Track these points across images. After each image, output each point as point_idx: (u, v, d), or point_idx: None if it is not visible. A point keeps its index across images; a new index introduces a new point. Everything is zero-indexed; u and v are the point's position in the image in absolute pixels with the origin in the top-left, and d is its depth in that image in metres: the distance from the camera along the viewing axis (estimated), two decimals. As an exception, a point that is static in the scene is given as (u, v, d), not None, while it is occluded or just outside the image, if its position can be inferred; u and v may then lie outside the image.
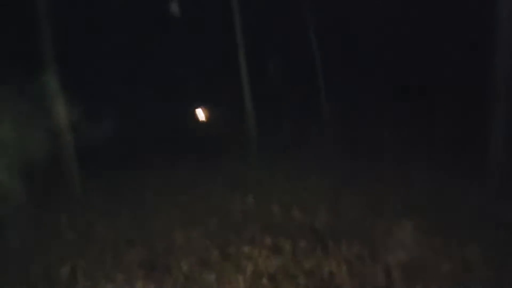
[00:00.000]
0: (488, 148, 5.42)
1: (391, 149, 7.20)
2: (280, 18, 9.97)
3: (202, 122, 13.33)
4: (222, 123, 11.36)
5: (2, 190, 5.00)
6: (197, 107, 13.34)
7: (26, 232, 4.86)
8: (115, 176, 7.27)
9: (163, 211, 5.39)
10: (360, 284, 3.39)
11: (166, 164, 8.02)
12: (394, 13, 9.32)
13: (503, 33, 5.04)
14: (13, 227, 4.85)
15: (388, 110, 8.97)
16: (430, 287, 3.28)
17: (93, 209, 5.55)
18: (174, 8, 10.30)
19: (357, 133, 8.57)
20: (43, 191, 5.98)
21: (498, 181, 5.26)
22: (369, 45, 9.88)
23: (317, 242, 4.11)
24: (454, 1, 8.61)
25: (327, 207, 5.08)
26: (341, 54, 9.98)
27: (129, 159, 8.38)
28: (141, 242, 4.45)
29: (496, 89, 5.25)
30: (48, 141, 5.77)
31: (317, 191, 5.73)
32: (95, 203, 5.76)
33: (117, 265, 3.98)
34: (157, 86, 11.47)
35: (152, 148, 9.16)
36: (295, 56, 10.31)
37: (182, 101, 12.16)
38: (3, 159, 5.42)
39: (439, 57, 9.14)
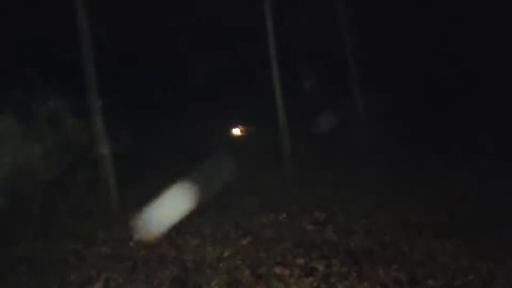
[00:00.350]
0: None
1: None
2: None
3: (238, 138, 13.47)
4: (258, 140, 11.36)
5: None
6: (234, 125, 13.55)
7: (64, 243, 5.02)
8: (150, 188, 7.38)
9: (195, 227, 5.38)
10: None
11: (200, 176, 8.08)
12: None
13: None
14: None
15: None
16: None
17: (128, 223, 5.64)
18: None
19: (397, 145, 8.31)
20: (82, 202, 6.21)
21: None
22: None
23: (351, 264, 3.94)
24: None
25: (363, 226, 4.92)
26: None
27: (164, 173, 8.48)
28: (173, 259, 4.45)
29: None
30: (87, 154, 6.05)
31: (353, 208, 5.55)
32: (130, 217, 5.84)
33: (149, 282, 3.98)
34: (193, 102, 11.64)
35: (187, 161, 9.26)
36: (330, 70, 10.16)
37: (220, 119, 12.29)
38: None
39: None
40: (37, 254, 4.77)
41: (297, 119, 8.46)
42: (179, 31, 10.41)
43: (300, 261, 4.16)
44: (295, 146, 7.01)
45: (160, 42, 10.35)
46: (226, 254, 4.49)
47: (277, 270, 3.98)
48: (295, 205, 5.84)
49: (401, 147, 7.98)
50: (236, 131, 13.89)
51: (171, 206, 6.28)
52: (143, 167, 8.49)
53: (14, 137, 6.03)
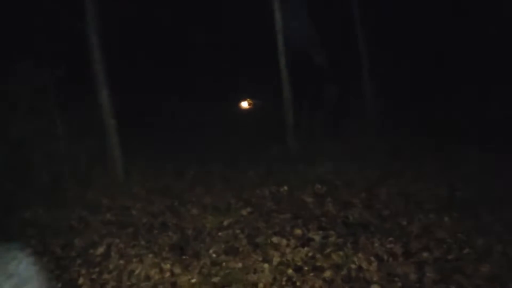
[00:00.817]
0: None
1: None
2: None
3: (246, 112, 13.48)
4: (264, 113, 11.32)
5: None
6: (241, 99, 13.54)
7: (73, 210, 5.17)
8: (157, 160, 7.48)
9: (197, 197, 5.46)
10: (390, 281, 3.23)
11: (205, 149, 8.17)
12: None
13: None
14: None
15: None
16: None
17: (132, 194, 5.75)
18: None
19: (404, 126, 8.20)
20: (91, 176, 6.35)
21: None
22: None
23: (348, 235, 3.98)
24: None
25: (363, 200, 4.93)
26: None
27: (170, 145, 8.57)
28: (174, 227, 4.55)
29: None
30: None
31: (355, 182, 5.55)
32: (135, 188, 5.95)
33: (149, 247, 4.08)
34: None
35: (194, 134, 9.32)
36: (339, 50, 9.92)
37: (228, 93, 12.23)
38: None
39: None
40: (43, 219, 4.94)
41: (304, 93, 8.40)
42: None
43: (298, 231, 4.21)
44: (300, 120, 6.96)
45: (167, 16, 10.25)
46: (225, 223, 4.57)
47: (275, 239, 4.04)
48: (297, 178, 5.87)
49: (408, 123, 7.85)
50: (244, 105, 13.90)
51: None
52: (148, 138, 8.59)
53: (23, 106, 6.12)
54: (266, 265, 3.57)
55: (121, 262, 3.78)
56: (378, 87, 8.44)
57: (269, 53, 7.16)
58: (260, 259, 3.70)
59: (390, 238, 3.86)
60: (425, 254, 3.53)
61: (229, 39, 10.66)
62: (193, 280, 3.44)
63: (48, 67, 5.80)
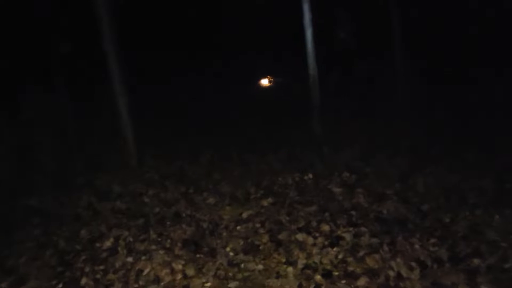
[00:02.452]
0: None
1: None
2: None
3: (266, 89, 12.88)
4: (287, 91, 10.71)
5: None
6: (263, 77, 12.92)
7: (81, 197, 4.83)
8: (172, 142, 7.07)
9: (214, 184, 5.05)
10: (436, 294, 2.76)
11: (224, 130, 7.71)
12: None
13: None
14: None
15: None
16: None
17: (145, 179, 5.37)
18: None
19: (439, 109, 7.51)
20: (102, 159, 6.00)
21: None
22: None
23: (383, 234, 3.51)
24: None
25: (397, 191, 4.42)
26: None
27: (186, 127, 8.14)
28: (188, 218, 4.16)
29: None
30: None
31: (387, 170, 5.02)
32: (148, 173, 5.57)
33: (160, 242, 3.71)
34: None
35: (213, 116, 8.85)
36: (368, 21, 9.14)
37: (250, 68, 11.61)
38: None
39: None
40: (50, 207, 4.61)
41: (330, 70, 7.79)
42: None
43: (325, 227, 3.76)
44: (325, 100, 6.39)
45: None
46: (244, 215, 4.15)
47: (299, 237, 3.60)
48: (323, 165, 5.37)
49: (443, 107, 7.15)
50: (265, 82, 13.30)
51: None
52: (163, 119, 8.16)
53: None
54: (290, 269, 3.14)
55: (129, 259, 3.41)
56: (412, 65, 7.71)
57: (294, 28, 6.51)
58: (283, 260, 3.27)
59: (433, 239, 3.36)
60: (476, 261, 3.03)
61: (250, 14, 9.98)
62: (208, 284, 3.04)
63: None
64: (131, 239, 3.78)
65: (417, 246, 3.28)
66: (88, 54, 5.62)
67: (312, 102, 6.28)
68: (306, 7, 5.77)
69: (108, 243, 3.73)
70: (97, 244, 3.73)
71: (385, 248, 3.27)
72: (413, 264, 3.05)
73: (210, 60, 10.01)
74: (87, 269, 3.30)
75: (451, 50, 8.46)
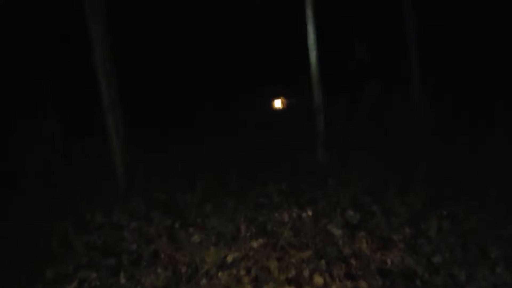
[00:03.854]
0: None
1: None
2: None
3: (279, 111, 12.44)
4: (299, 113, 10.23)
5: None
6: (275, 97, 12.50)
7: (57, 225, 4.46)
8: (168, 165, 6.68)
9: (203, 217, 4.60)
10: None
11: (226, 153, 7.29)
12: None
13: None
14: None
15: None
16: None
17: (130, 208, 4.97)
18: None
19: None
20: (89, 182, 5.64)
21: None
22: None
23: (385, 293, 2.98)
24: None
25: (406, 237, 3.87)
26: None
27: (186, 149, 7.75)
28: (166, 259, 3.72)
29: None
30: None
31: (398, 209, 4.47)
32: (135, 201, 5.16)
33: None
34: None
35: (215, 137, 8.46)
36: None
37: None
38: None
39: None
40: (18, 236, 4.24)
41: (339, 93, 7.30)
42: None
43: (319, 280, 3.26)
44: (333, 125, 5.90)
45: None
46: (229, 259, 3.68)
47: (286, 291, 3.11)
48: (325, 199, 4.85)
49: (465, 134, 6.50)
50: (278, 104, 12.86)
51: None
52: (159, 139, 7.78)
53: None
54: (269, 336, 2.65)
55: (88, 310, 2.99)
56: (429, 89, 7.12)
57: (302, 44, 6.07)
58: (264, 322, 2.79)
59: (444, 304, 2.83)
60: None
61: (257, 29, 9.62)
62: None
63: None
64: (97, 283, 3.36)
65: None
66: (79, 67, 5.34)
67: (317, 129, 5.79)
68: (310, 29, 5.32)
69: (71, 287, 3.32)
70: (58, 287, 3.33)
71: (385, 314, 2.75)
72: (418, 339, 2.51)
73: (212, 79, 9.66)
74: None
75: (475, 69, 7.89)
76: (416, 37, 7.06)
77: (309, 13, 5.27)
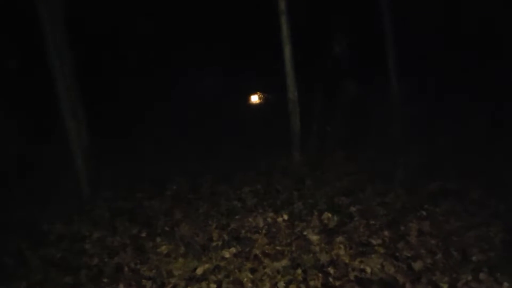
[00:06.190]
0: None
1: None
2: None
3: (255, 107, 12.19)
4: (276, 108, 9.95)
5: None
6: (252, 92, 12.23)
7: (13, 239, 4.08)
8: (136, 169, 6.33)
9: (172, 225, 4.31)
10: None
11: (199, 154, 6.99)
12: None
13: None
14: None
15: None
16: None
17: (94, 217, 4.63)
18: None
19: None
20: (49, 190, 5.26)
21: None
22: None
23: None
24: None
25: (387, 241, 3.68)
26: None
27: (157, 151, 7.39)
28: (129, 274, 3.42)
29: None
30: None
31: (377, 212, 4.28)
32: (98, 209, 4.82)
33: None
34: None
35: (188, 137, 8.11)
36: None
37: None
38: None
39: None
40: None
41: (315, 91, 7.08)
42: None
43: (294, 292, 3.03)
44: (309, 124, 5.69)
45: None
46: (199, 271, 3.41)
47: (260, 307, 2.87)
48: (302, 202, 4.63)
49: (446, 133, 6.33)
50: (254, 99, 12.59)
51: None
52: (128, 141, 7.39)
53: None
54: None
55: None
56: (409, 87, 6.94)
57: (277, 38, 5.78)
58: None
59: (427, 316, 2.63)
60: None
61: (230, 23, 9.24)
62: None
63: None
64: (51, 304, 3.04)
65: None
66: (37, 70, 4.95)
67: (292, 129, 5.55)
68: (284, 20, 5.03)
69: (21, 310, 2.99)
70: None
71: (365, 330, 2.54)
72: None
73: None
74: None
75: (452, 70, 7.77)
76: (394, 36, 6.89)
77: (282, 6, 5.01)
